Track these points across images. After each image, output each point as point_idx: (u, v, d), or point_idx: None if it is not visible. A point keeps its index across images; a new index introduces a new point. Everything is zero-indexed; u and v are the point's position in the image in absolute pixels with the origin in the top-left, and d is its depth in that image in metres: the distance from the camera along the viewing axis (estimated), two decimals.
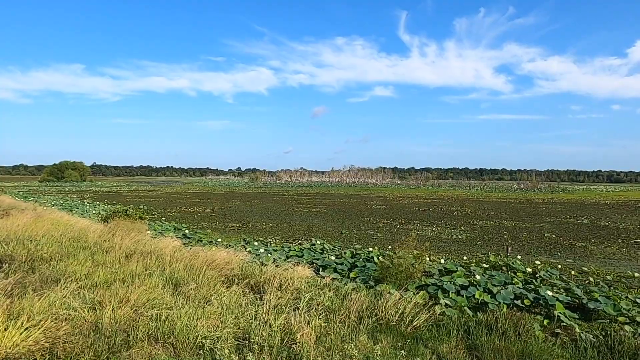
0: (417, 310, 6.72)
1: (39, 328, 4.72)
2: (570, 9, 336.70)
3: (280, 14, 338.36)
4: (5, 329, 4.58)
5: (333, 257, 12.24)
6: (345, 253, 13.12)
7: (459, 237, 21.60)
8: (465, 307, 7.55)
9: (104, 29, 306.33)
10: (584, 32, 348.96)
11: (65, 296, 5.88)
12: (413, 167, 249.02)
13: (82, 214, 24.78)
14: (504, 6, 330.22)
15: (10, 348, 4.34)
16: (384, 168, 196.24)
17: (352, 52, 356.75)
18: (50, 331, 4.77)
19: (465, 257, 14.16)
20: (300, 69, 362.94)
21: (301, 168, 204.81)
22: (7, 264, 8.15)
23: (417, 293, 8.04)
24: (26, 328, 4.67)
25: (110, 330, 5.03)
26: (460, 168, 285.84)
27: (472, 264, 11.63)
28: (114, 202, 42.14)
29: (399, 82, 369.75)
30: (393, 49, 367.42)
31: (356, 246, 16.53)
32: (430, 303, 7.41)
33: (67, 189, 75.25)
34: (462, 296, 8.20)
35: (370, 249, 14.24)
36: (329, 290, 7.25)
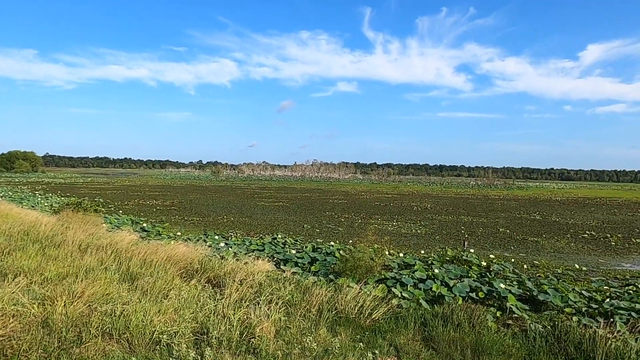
0: (376, 303, 6.82)
1: None
2: (528, 12, 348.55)
3: (244, 5, 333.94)
4: None
5: (294, 251, 12.25)
6: (306, 247, 13.15)
7: (418, 231, 22.07)
8: (423, 300, 7.72)
9: (58, 14, 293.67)
10: (539, 34, 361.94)
11: (14, 292, 5.63)
12: (375, 163, 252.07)
13: (33, 207, 23.74)
14: (465, 7, 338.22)
15: None
16: (347, 163, 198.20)
17: (317, 46, 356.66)
18: None
19: (423, 251, 14.48)
20: (264, 62, 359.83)
21: (264, 162, 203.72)
22: None
23: (377, 286, 8.16)
24: None
25: (61, 326, 4.86)
26: (421, 164, 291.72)
27: (430, 258, 11.91)
28: (68, 194, 40.57)
29: (362, 78, 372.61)
30: (357, 45, 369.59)
31: (317, 240, 16.60)
32: (389, 296, 7.55)
33: (17, 180, 71.82)
34: (420, 289, 8.38)
35: (332, 243, 14.33)
36: (290, 284, 7.25)
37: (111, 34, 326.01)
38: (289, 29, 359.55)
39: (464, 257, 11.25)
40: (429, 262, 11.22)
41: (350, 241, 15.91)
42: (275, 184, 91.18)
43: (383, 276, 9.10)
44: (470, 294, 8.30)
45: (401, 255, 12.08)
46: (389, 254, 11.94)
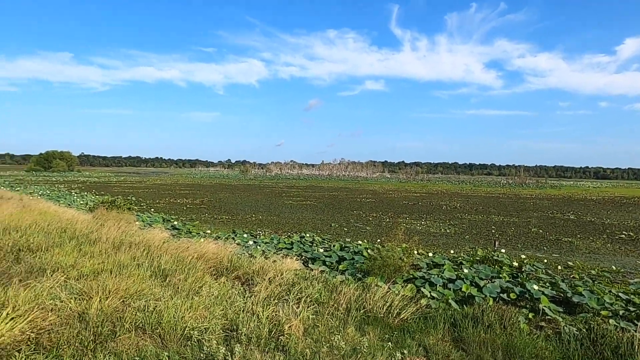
0: (405, 303, 6.77)
1: (25, 318, 4.68)
2: (561, 6, 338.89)
3: (272, 5, 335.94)
4: None
5: (322, 250, 12.27)
6: (334, 246, 13.15)
7: (448, 231, 21.77)
8: (452, 300, 7.62)
9: (93, 18, 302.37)
10: (573, 29, 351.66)
11: (52, 287, 5.83)
12: (403, 161, 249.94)
13: (69, 205, 24.54)
14: (495, 2, 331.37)
15: None
16: (374, 162, 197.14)
17: (344, 45, 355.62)
18: (36, 321, 4.74)
19: (452, 251, 14.28)
20: (291, 61, 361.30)
21: (291, 161, 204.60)
22: None
23: (405, 286, 8.10)
24: (12, 318, 4.63)
25: (96, 320, 5.01)
26: (450, 163, 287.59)
27: (460, 258, 11.74)
28: (102, 192, 41.76)
29: (390, 76, 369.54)
30: (384, 43, 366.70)
31: (345, 239, 16.59)
32: (418, 296, 7.48)
33: (54, 179, 74.36)
34: (450, 289, 8.27)
35: (359, 242, 14.30)
36: (318, 283, 7.27)
37: (143, 36, 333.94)
38: (316, 28, 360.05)
39: (495, 257, 11.05)
40: (459, 262, 11.06)
41: (378, 240, 15.83)
42: (302, 182, 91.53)
43: (412, 276, 9.02)
44: (501, 295, 8.14)
45: (430, 254, 11.94)
46: (418, 253, 11.83)
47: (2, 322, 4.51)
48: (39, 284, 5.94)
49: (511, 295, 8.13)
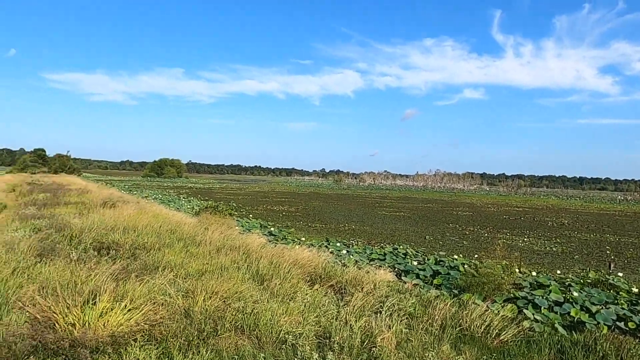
0: (505, 323, 6.38)
1: (140, 311, 5.13)
2: None
3: (368, 16, 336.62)
4: (112, 309, 5.05)
5: (415, 263, 11.99)
6: (428, 259, 12.80)
7: (554, 249, 20.17)
8: (559, 325, 7.03)
9: (202, 34, 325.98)
10: None
11: (163, 283, 6.34)
12: (503, 174, 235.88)
13: (178, 208, 26.54)
14: (612, 1, 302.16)
15: (115, 327, 4.78)
16: (472, 173, 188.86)
17: (441, 53, 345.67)
18: (149, 314, 5.18)
19: (559, 271, 13.19)
20: (387, 71, 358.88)
21: (385, 171, 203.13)
22: (114, 251, 8.97)
23: (505, 306, 7.63)
24: (129, 310, 5.11)
25: (200, 317, 5.35)
26: (557, 176, 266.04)
27: (568, 279, 10.80)
28: (206, 198, 44.66)
29: (490, 84, 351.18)
30: (485, 50, 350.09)
31: (440, 253, 16.06)
32: (519, 318, 7.01)
33: (165, 184, 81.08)
34: (556, 313, 7.64)
35: (455, 256, 13.76)
36: (411, 296, 7.12)
37: (246, 51, 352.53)
38: (413, 37, 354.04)
39: (610, 281, 10.01)
40: (567, 283, 10.18)
41: (476, 255, 15.11)
42: (396, 193, 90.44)
43: (512, 295, 8.48)
44: (617, 323, 7.34)
45: (534, 273, 11.14)
46: (519, 271, 11.08)
47: (121, 312, 4.99)
48: (151, 280, 6.49)
49: (630, 324, 7.30)
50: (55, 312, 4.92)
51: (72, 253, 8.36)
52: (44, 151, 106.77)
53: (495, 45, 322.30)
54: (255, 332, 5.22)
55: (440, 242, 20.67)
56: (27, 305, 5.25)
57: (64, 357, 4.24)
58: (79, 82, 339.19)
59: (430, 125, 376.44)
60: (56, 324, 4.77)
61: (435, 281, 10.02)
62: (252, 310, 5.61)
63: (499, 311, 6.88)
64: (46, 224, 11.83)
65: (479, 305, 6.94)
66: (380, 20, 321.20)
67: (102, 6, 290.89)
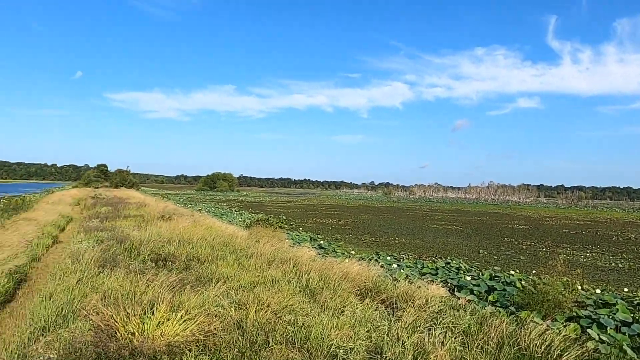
0: (568, 344, 6.04)
1: (194, 322, 5.27)
2: None
3: (416, 27, 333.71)
4: (168, 319, 5.22)
5: (469, 278, 11.64)
6: (482, 274, 12.39)
7: (620, 265, 18.95)
8: (627, 347, 6.58)
9: (253, 51, 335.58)
10: None
11: (216, 295, 6.49)
12: (562, 185, 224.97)
13: (230, 221, 27.17)
14: None
15: (171, 337, 4.93)
16: (528, 185, 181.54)
17: (493, 62, 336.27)
18: (203, 325, 5.31)
19: (627, 289, 12.38)
20: (436, 82, 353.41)
21: (436, 183, 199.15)
22: (170, 262, 9.30)
23: (567, 325, 7.25)
24: (184, 320, 5.26)
25: (252, 329, 5.42)
26: (622, 187, 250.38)
27: (637, 298, 10.11)
28: (257, 211, 45.47)
29: (545, 93, 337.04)
30: (539, 57, 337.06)
31: (495, 268, 15.49)
32: (583, 338, 6.63)
33: (218, 198, 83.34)
34: (624, 334, 7.17)
35: (511, 272, 13.24)
36: (466, 313, 6.89)
37: (295, 66, 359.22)
38: (463, 47, 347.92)
39: None
40: (635, 302, 9.54)
41: (534, 271, 14.46)
42: (447, 206, 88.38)
43: (575, 314, 8.04)
44: None
45: (597, 291, 10.53)
46: (582, 288, 10.50)
47: (177, 322, 5.15)
48: (205, 291, 6.66)
49: None
50: (116, 321, 5.15)
51: (131, 264, 8.74)
52: (106, 167, 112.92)
53: (551, 52, 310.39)
54: (306, 346, 5.22)
55: (495, 257, 19.95)
56: (91, 314, 5.52)
57: None
58: (137, 101, 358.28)
59: (483, 135, 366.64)
60: (117, 332, 4.98)
61: (490, 297, 9.68)
62: (303, 324, 5.63)
63: (560, 330, 6.53)
64: (108, 236, 12.46)
65: (538, 323, 6.62)
66: (428, 31, 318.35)
67: (160, 31, 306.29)
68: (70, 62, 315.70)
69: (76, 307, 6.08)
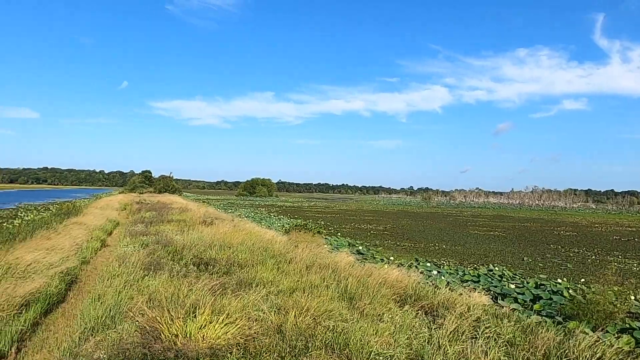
0: (620, 357, 5.76)
1: (235, 325, 5.36)
2: None
3: (456, 30, 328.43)
4: (210, 322, 5.33)
5: (513, 286, 11.30)
6: (527, 282, 12.00)
7: None
8: None
9: (291, 58, 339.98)
10: None
11: (256, 299, 6.58)
12: (612, 190, 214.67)
13: (269, 226, 27.47)
14: None
15: (214, 339, 5.03)
16: (575, 190, 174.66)
17: (536, 63, 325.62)
18: (243, 329, 5.39)
19: None
20: (477, 85, 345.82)
21: (477, 188, 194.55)
22: (211, 266, 9.49)
23: (620, 337, 6.90)
24: (225, 324, 5.35)
25: (291, 334, 5.45)
26: None
27: None
28: (295, 216, 45.76)
29: (593, 93, 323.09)
30: (586, 57, 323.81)
31: (540, 276, 14.97)
32: (638, 351, 6.29)
33: (257, 203, 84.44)
34: None
35: (558, 280, 12.75)
36: (510, 322, 6.69)
37: (332, 72, 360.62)
38: (505, 48, 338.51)
39: None
40: None
41: (582, 280, 13.87)
42: (489, 211, 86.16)
43: (628, 325, 7.65)
44: None
45: None
46: (636, 299, 10.00)
47: (219, 326, 5.25)
48: (246, 295, 6.77)
49: None
50: (160, 323, 5.30)
51: (174, 268, 8.99)
52: (150, 173, 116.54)
53: (599, 51, 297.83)
54: (345, 352, 5.21)
55: (540, 265, 19.26)
56: (137, 315, 5.71)
57: None
58: (180, 109, 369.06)
59: (526, 139, 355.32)
60: (161, 334, 5.12)
61: (535, 306, 9.37)
62: (342, 329, 5.62)
63: (612, 343, 6.24)
64: (152, 240, 12.86)
65: (588, 334, 6.34)
66: (468, 34, 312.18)
67: (201, 40, 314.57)
68: (116, 73, 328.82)
69: (123, 308, 6.30)
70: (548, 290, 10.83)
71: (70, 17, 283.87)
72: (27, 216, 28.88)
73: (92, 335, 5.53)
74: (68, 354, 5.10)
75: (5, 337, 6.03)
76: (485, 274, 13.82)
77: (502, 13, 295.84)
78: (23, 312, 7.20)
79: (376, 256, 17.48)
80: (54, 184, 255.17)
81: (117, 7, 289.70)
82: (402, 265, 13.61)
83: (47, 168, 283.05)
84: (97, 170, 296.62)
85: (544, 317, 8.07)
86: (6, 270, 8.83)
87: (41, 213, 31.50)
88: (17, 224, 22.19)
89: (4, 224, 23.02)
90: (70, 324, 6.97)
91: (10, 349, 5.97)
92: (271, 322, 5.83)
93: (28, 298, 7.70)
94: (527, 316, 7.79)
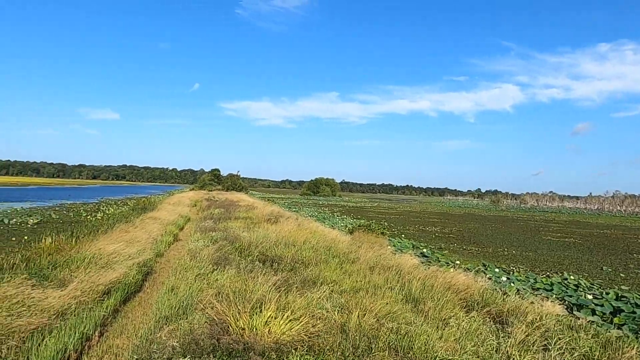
0: None
1: (300, 322, 5.46)
2: None
3: (530, 26, 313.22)
4: (275, 318, 5.46)
5: (590, 297, 10.60)
6: (607, 294, 11.21)
7: None
8: None
9: (357, 58, 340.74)
10: None
11: (320, 297, 6.66)
12: None
13: (332, 226, 27.62)
14: None
15: (278, 335, 5.16)
16: None
17: (620, 59, 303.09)
18: (307, 326, 5.47)
19: None
20: (552, 82, 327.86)
21: (551, 192, 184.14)
22: (276, 264, 9.71)
23: None
24: (290, 320, 5.47)
25: (355, 334, 5.47)
26: None
27: None
28: (359, 216, 45.65)
29: None
30: None
31: (622, 287, 13.93)
32: None
33: (320, 202, 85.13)
34: None
35: None
36: (587, 335, 6.29)
37: (398, 72, 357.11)
38: (583, 43, 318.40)
39: None
40: None
41: None
42: (564, 216, 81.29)
43: None
44: None
45: None
46: None
47: (283, 322, 5.37)
48: (310, 293, 6.86)
49: None
50: (228, 316, 5.51)
51: (241, 263, 9.29)
52: (219, 171, 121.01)
53: None
54: (409, 355, 5.15)
55: (622, 275, 17.90)
56: (207, 308, 5.97)
57: (238, 359, 4.71)
58: (247, 109, 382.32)
59: (607, 140, 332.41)
60: (229, 327, 5.32)
61: (616, 320, 8.73)
62: (406, 332, 5.55)
63: None
64: (220, 236, 13.37)
65: None
66: (543, 29, 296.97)
67: (268, 43, 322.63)
68: (189, 76, 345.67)
69: (194, 300, 6.62)
70: (631, 303, 10.06)
71: (150, 23, 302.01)
72: (108, 210, 31.05)
73: (166, 324, 5.85)
74: (144, 340, 5.44)
75: (90, 322, 6.53)
76: (559, 283, 13.07)
77: (581, 6, 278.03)
78: (105, 299, 7.76)
79: (441, 259, 17.05)
80: (132, 181, 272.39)
81: (191, 13, 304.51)
82: (468, 270, 13.20)
83: (125, 165, 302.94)
84: (170, 168, 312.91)
85: (626, 332, 7.52)
86: (90, 260, 9.55)
87: (120, 207, 33.75)
88: (100, 217, 23.94)
89: (89, 217, 24.90)
90: (146, 312, 7.42)
91: (94, 333, 6.45)
92: (334, 321, 5.88)
93: (109, 286, 8.29)
94: (607, 330, 7.29)
